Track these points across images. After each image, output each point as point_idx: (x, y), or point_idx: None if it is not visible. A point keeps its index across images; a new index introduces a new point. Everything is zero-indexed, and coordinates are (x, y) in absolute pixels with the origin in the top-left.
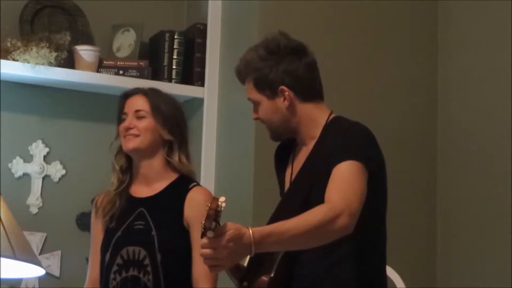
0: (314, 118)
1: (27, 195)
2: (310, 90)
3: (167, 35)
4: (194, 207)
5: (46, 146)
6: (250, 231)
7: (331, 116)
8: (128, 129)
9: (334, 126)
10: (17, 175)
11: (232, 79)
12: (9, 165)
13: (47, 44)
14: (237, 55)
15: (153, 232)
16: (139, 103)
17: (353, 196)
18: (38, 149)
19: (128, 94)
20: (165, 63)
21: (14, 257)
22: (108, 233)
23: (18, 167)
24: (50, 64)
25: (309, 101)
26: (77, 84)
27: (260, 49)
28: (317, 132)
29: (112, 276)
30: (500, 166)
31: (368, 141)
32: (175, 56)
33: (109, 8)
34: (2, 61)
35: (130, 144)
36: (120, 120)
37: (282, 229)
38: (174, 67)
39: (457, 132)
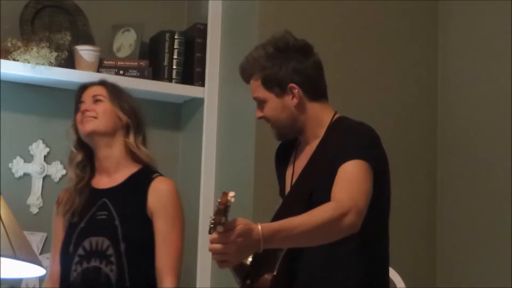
0: (320, 117)
1: (27, 195)
2: (317, 89)
3: (167, 35)
4: (157, 197)
5: (47, 146)
6: (259, 227)
7: (336, 116)
8: (85, 111)
9: (339, 126)
10: (17, 175)
11: (232, 79)
12: (10, 165)
13: (48, 44)
14: (237, 55)
15: (116, 222)
16: (96, 90)
17: (360, 195)
18: (39, 149)
19: (85, 86)
20: (165, 63)
21: (15, 257)
22: (71, 227)
23: (18, 167)
24: (50, 64)
25: (316, 100)
26: (77, 84)
27: (268, 47)
28: (322, 131)
29: (73, 267)
30: (500, 166)
31: (373, 141)
32: (175, 56)
33: (109, 8)
34: (2, 61)
35: (88, 126)
36: (77, 111)
37: (291, 226)
38: (174, 67)
39: (457, 132)
